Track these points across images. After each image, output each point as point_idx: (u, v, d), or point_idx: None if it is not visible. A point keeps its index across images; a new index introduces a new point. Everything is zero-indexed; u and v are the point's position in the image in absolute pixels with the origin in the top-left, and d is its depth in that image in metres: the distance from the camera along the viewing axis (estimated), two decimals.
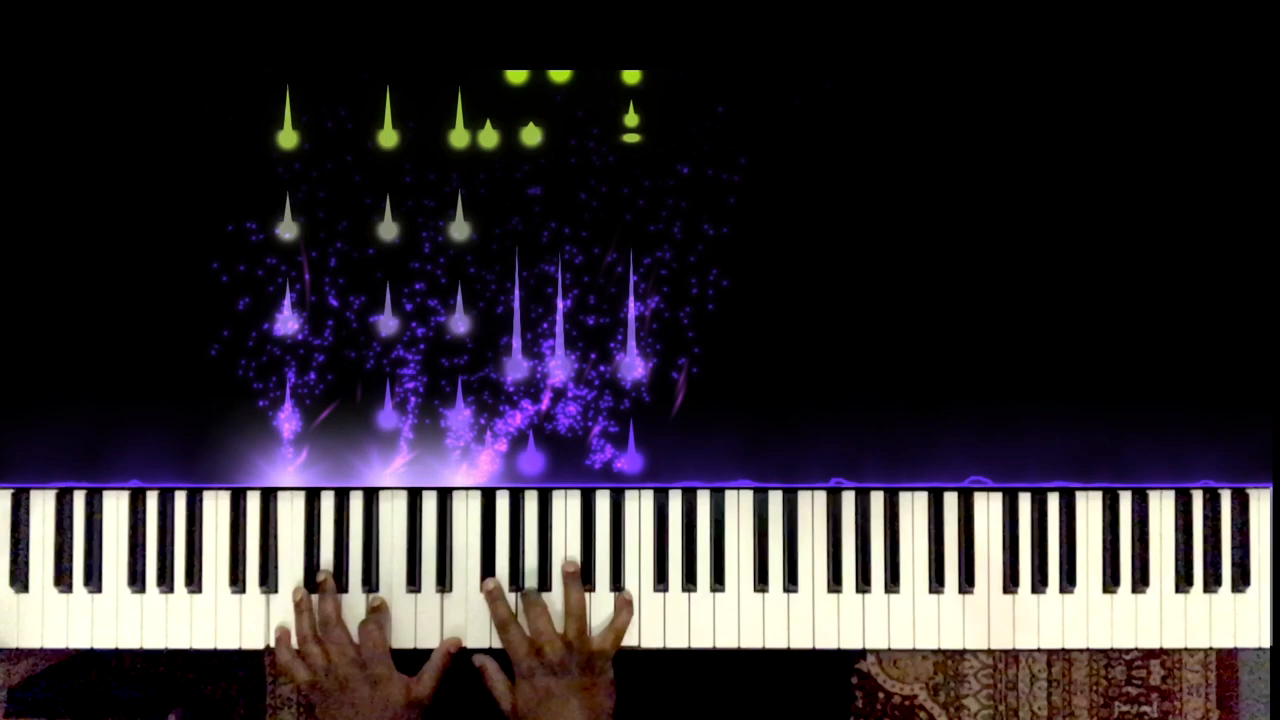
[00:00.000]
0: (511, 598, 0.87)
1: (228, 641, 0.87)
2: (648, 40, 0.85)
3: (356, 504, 0.87)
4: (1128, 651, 1.43)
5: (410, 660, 0.86)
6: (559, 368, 0.85)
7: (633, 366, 0.85)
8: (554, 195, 0.86)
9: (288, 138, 0.85)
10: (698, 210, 0.85)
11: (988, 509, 0.88)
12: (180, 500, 0.87)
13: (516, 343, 0.85)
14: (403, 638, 0.87)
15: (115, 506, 0.87)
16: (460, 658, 0.87)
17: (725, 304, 0.85)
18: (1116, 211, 0.85)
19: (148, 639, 0.87)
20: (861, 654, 1.44)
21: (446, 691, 0.87)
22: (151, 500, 0.87)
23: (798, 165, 0.86)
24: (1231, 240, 0.86)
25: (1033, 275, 0.86)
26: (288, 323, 0.85)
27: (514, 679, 0.86)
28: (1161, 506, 0.88)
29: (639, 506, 0.87)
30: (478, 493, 0.87)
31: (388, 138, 0.85)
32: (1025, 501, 0.88)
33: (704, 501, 0.87)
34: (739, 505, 0.87)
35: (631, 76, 0.85)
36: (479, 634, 0.87)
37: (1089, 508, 0.88)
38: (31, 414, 0.85)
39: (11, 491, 0.87)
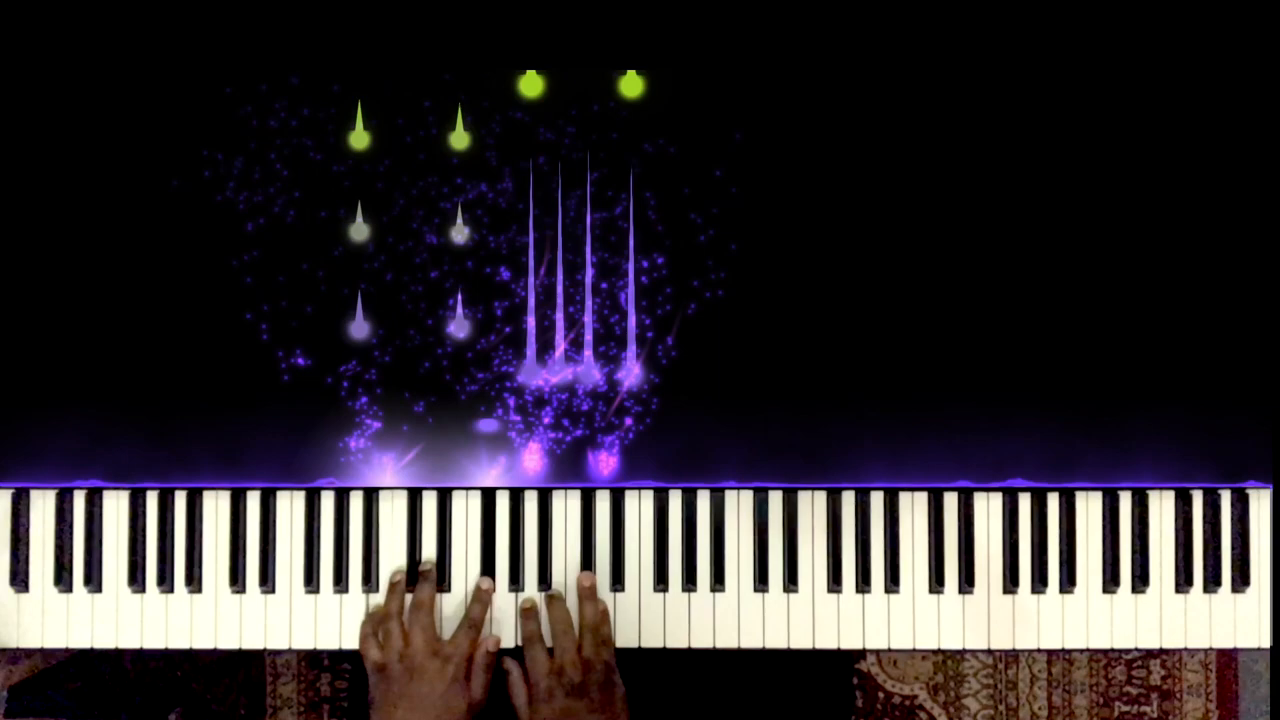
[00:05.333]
0: (513, 597, 0.87)
1: (228, 641, 0.87)
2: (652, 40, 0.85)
3: (357, 504, 0.87)
4: (1128, 651, 1.43)
5: None
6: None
7: (631, 368, 0.85)
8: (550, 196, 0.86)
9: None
10: (698, 209, 0.85)
11: (988, 509, 0.88)
12: (180, 500, 0.87)
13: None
14: None
15: (115, 506, 0.87)
16: None
17: (725, 304, 0.85)
18: (1116, 211, 0.85)
19: (148, 639, 0.87)
20: (861, 654, 1.44)
21: None
22: (151, 500, 0.87)
23: (798, 165, 0.85)
24: (1231, 240, 0.86)
25: (1034, 275, 0.86)
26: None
27: (529, 693, 0.85)
28: (1161, 506, 0.88)
29: (639, 506, 0.87)
30: (478, 493, 0.87)
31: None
32: (1025, 501, 0.88)
33: (704, 501, 0.87)
34: (739, 505, 0.87)
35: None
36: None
37: (1089, 508, 0.88)
38: (31, 414, 0.85)
39: (11, 491, 0.87)
